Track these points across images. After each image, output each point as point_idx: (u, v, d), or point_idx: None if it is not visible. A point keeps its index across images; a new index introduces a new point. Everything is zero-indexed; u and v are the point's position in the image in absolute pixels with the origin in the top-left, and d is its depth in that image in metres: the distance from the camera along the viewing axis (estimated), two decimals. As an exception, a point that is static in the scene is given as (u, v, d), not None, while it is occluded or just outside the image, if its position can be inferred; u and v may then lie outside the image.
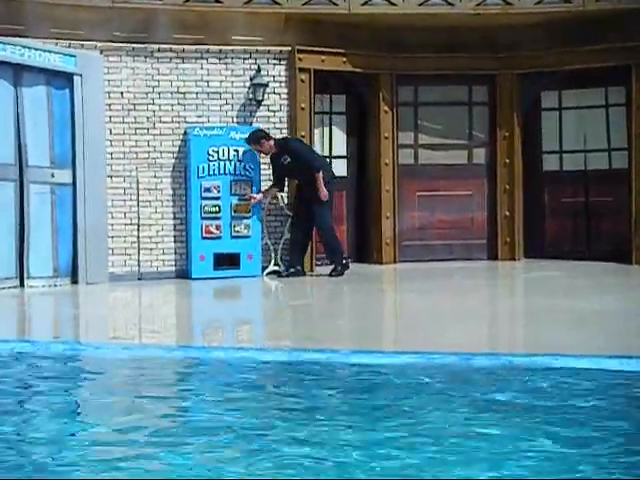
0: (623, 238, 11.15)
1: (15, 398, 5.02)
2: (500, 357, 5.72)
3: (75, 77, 9.88)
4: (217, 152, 10.34)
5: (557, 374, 5.28)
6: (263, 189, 10.53)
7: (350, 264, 10.65)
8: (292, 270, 10.40)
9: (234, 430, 4.20)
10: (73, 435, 4.23)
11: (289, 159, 10.30)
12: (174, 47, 10.46)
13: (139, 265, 10.35)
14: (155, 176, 10.42)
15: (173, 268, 10.46)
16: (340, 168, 11.59)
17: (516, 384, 5.10)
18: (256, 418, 4.44)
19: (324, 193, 10.26)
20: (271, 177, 10.59)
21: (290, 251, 10.58)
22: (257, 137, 10.29)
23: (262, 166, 10.57)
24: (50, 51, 9.71)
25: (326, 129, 11.62)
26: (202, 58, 10.57)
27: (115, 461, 3.74)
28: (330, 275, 10.36)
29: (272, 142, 10.32)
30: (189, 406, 4.91)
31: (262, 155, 10.50)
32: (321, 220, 10.40)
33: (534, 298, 8.86)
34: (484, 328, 7.54)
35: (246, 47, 10.67)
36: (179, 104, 10.50)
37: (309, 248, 10.70)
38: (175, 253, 10.48)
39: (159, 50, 10.41)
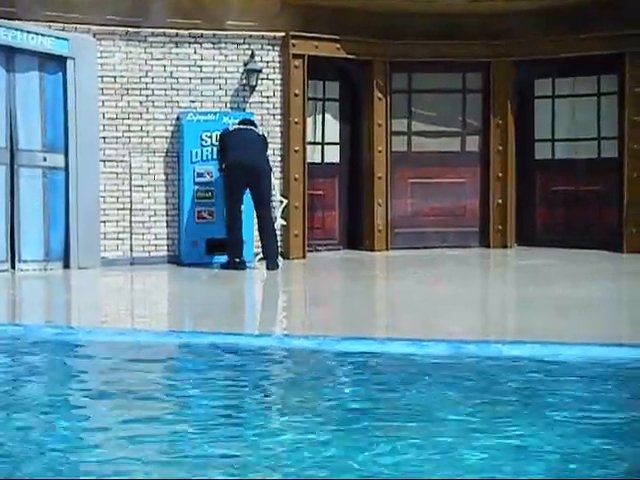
0: (614, 226, 11.19)
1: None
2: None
3: (68, 61, 9.84)
4: (210, 137, 10.31)
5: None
6: None
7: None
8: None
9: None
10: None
11: None
12: (168, 32, 10.41)
13: (131, 250, 10.33)
14: (148, 161, 10.39)
15: (165, 253, 10.45)
16: (332, 154, 11.57)
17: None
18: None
19: None
20: None
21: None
22: None
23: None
24: (43, 34, 9.66)
25: (319, 115, 11.60)
26: (196, 43, 10.53)
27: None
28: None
29: None
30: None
31: None
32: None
33: (526, 286, 8.88)
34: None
35: (240, 32, 10.64)
36: (172, 89, 10.47)
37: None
38: (167, 238, 10.47)
39: (153, 34, 10.37)
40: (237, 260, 9.87)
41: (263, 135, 10.21)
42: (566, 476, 3.47)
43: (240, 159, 9.77)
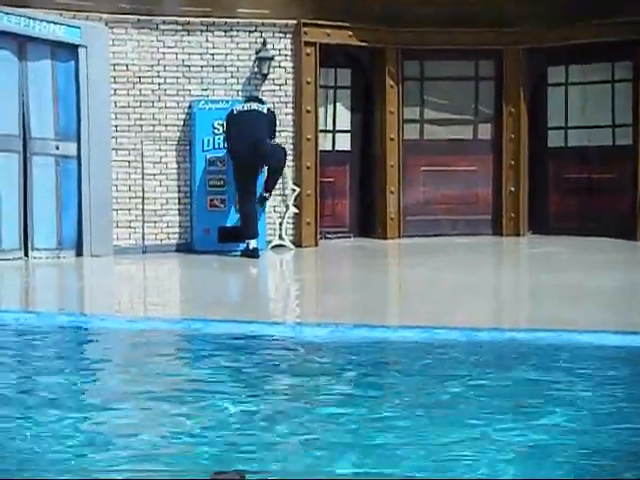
0: (628, 214, 11.13)
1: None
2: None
3: (80, 49, 9.83)
4: (222, 125, 10.29)
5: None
6: None
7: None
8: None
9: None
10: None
11: None
12: (180, 19, 10.40)
13: (143, 238, 10.34)
14: (160, 149, 10.39)
15: (178, 241, 10.45)
16: (344, 142, 11.54)
17: None
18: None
19: None
20: None
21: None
22: None
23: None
24: (55, 22, 9.65)
25: (330, 103, 11.57)
26: (208, 31, 10.51)
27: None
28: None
29: None
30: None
31: None
32: None
33: (538, 274, 8.86)
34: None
35: (252, 20, 10.61)
36: (184, 77, 10.45)
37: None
38: (179, 226, 10.47)
39: (164, 22, 10.35)
40: (251, 247, 9.84)
41: (269, 112, 10.15)
42: (566, 476, 3.46)
43: (237, 149, 9.92)
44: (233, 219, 10.28)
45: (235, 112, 10.00)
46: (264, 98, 10.60)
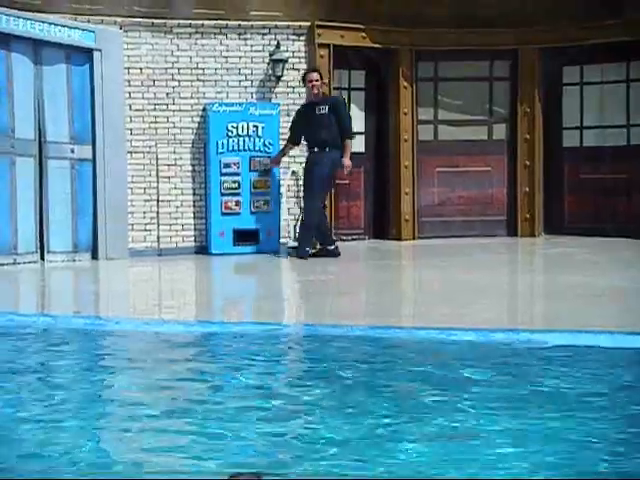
0: (644, 214, 11.09)
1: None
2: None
3: (95, 53, 9.88)
4: (236, 128, 10.32)
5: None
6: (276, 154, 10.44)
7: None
8: (332, 247, 10.09)
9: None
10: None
11: (327, 111, 9.92)
12: (193, 23, 10.43)
13: (159, 241, 10.38)
14: (174, 152, 10.43)
15: (193, 244, 10.48)
16: (358, 144, 11.54)
17: None
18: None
19: (349, 163, 9.96)
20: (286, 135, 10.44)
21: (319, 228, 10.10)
22: (302, 77, 10.29)
23: (281, 142, 10.55)
24: (69, 26, 9.71)
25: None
26: (221, 34, 10.54)
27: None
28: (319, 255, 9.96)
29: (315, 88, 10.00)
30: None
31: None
32: (311, 200, 9.97)
33: (554, 275, 8.83)
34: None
35: (265, 22, 10.63)
36: (198, 80, 10.49)
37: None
38: (195, 229, 10.50)
39: (179, 26, 10.39)
40: (329, 247, 10.02)
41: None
42: (567, 476, 3.44)
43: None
44: (248, 221, 10.31)
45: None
46: (277, 100, 10.61)
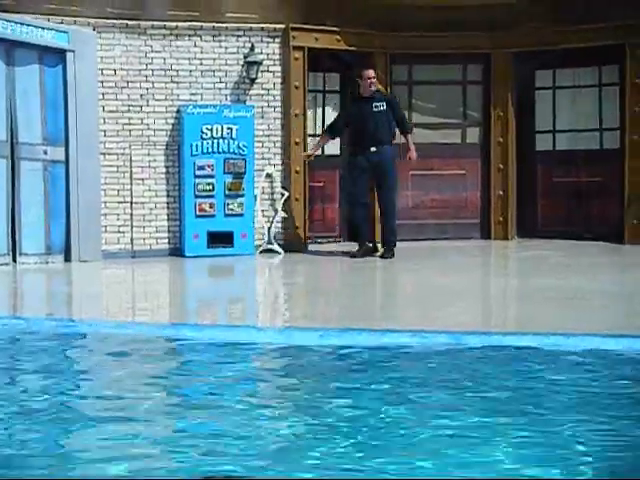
0: (615, 218, 11.18)
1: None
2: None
3: (68, 54, 9.82)
4: (210, 130, 10.31)
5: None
6: (314, 143, 10.69)
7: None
8: (369, 245, 10.29)
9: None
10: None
11: (384, 107, 10.08)
12: (168, 24, 10.40)
13: (132, 243, 10.33)
14: (148, 154, 10.38)
15: (167, 246, 10.45)
16: (333, 146, 11.55)
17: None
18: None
19: (414, 154, 10.25)
20: (323, 128, 10.82)
21: (359, 224, 10.34)
22: (358, 74, 10.34)
23: (256, 144, 10.55)
24: (43, 27, 9.64)
25: (319, 107, 11.57)
26: (196, 35, 10.51)
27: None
28: (383, 257, 10.06)
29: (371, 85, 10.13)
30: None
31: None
32: (392, 194, 10.27)
33: (527, 277, 8.87)
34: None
35: (240, 25, 10.62)
36: (172, 82, 10.45)
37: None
38: (168, 231, 10.47)
39: (153, 27, 10.35)
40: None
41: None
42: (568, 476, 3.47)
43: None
44: (222, 224, 10.29)
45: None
46: (252, 102, 10.61)
